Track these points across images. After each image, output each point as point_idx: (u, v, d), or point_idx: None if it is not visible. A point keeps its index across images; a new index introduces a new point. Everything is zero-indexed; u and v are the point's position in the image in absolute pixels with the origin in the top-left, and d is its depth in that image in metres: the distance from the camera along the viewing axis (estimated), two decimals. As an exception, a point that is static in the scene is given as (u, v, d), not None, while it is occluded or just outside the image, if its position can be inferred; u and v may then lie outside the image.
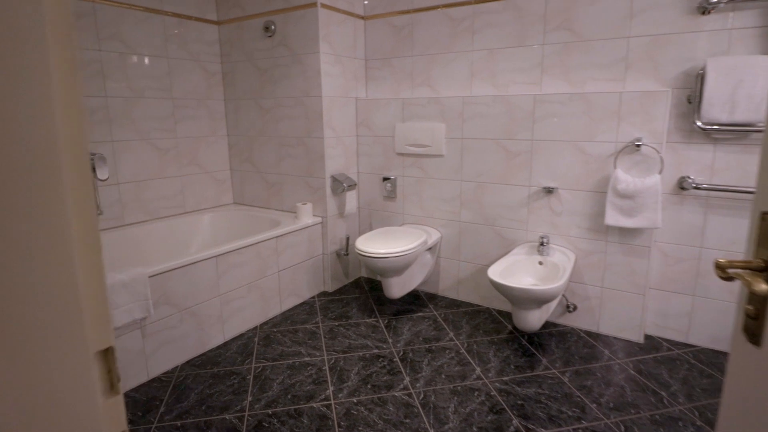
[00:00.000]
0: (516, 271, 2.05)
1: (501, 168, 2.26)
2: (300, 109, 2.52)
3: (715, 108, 1.73)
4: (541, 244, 2.13)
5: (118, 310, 1.64)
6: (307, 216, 2.49)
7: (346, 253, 2.66)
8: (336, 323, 2.27)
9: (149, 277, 1.74)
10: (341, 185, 2.49)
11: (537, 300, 1.81)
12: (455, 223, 2.47)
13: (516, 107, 2.17)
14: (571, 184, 2.09)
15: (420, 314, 2.36)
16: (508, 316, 2.34)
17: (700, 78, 1.76)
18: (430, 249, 2.45)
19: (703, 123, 1.79)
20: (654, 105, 1.86)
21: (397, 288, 2.28)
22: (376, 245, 2.16)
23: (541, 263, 2.09)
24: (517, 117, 2.17)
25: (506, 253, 2.27)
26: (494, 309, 2.42)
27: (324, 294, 2.63)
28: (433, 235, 2.43)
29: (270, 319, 2.32)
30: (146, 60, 2.42)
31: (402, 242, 2.20)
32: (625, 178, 1.91)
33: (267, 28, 2.52)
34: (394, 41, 2.56)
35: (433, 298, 2.56)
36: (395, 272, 2.21)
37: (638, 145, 1.89)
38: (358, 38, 2.63)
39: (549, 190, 2.13)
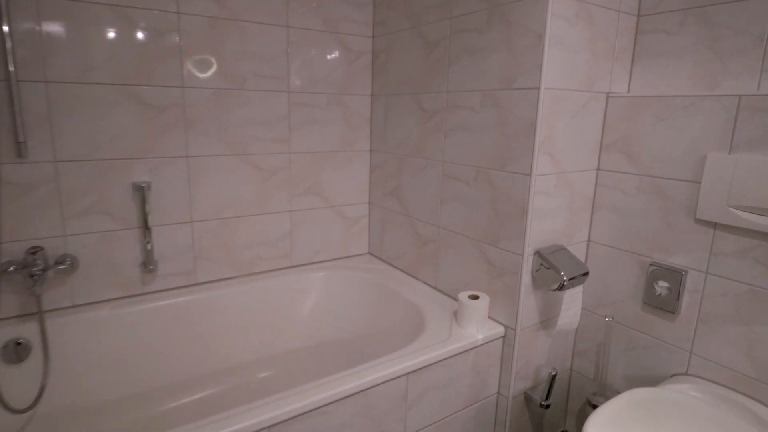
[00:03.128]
0: None
1: None
2: (491, 114, 1.30)
3: None
4: None
5: None
6: (476, 320, 1.26)
7: (545, 402, 1.33)
8: None
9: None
10: (555, 273, 1.18)
11: None
12: None
13: None
14: None
15: None
16: None
17: None
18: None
19: None
20: None
21: None
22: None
23: None
24: None
25: None
26: None
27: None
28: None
29: None
30: (252, 29, 1.52)
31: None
32: None
33: (448, -35, 1.37)
34: (723, -34, 1.13)
35: None
36: None
37: None
38: (630, -29, 1.27)
39: None
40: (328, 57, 1.69)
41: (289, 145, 1.67)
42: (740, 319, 1.09)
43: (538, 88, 1.15)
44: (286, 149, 1.67)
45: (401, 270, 1.76)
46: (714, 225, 1.12)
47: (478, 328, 1.26)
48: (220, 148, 1.54)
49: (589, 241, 1.41)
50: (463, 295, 1.29)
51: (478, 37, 1.31)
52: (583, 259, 1.41)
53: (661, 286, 1.21)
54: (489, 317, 1.35)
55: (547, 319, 1.35)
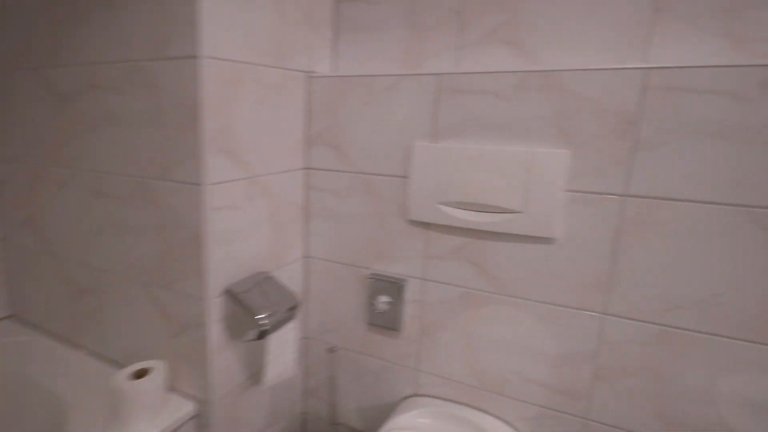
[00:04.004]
0: None
1: (762, 289, 0.74)
2: (142, 96, 0.87)
3: None
4: None
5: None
6: (146, 407, 0.83)
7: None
8: None
9: None
10: (250, 317, 0.85)
11: None
12: (567, 420, 0.92)
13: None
14: None
15: None
16: None
17: None
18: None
19: None
20: None
21: None
22: None
23: None
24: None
25: None
26: None
27: None
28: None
29: None
30: None
31: None
32: None
33: None
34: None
35: None
36: None
37: None
38: None
39: None
40: None
41: None
42: (458, 325, 0.99)
43: (196, 57, 0.78)
44: None
45: (55, 336, 1.16)
46: (427, 225, 0.98)
47: (150, 418, 0.83)
48: None
49: (307, 257, 1.15)
50: (123, 375, 0.84)
51: (106, -24, 0.86)
52: (301, 282, 1.14)
53: (382, 301, 1.03)
54: (175, 390, 0.94)
55: (258, 372, 1.03)
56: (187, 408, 0.89)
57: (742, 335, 0.76)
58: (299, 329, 1.17)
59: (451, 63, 0.98)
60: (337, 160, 1.05)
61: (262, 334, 0.84)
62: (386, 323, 1.05)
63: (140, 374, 0.85)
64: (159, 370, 0.86)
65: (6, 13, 1.04)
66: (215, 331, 0.88)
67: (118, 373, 0.84)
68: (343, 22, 1.09)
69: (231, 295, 0.86)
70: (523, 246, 0.89)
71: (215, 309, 0.87)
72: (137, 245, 0.93)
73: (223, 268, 0.88)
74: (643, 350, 0.83)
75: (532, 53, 0.90)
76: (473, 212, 0.90)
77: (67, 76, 0.97)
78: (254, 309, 0.83)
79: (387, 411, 1.12)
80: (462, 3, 0.95)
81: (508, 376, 0.96)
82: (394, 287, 1.02)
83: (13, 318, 1.25)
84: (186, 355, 0.91)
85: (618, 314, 0.83)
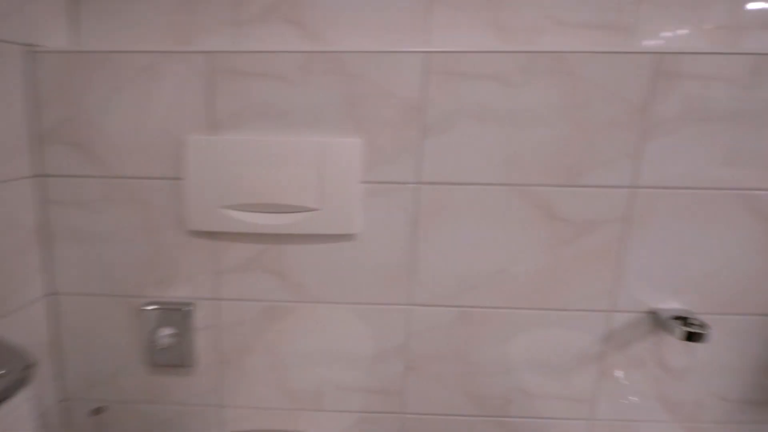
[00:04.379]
0: None
1: (539, 265, 0.81)
2: None
3: None
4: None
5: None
6: None
7: None
8: None
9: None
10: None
11: None
12: (388, 419, 0.89)
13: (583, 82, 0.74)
14: (725, 299, 0.81)
15: None
16: None
17: None
18: None
19: None
20: None
21: None
22: None
23: None
24: (596, 118, 0.75)
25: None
26: None
27: None
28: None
29: None
30: None
31: None
32: None
33: None
34: None
35: None
36: None
37: None
38: None
39: (665, 319, 0.78)
40: None
41: None
42: (263, 345, 0.86)
43: None
44: None
45: None
46: (212, 235, 0.82)
47: None
48: None
49: (52, 294, 0.86)
50: None
51: None
52: (45, 330, 0.84)
53: (166, 335, 0.83)
54: None
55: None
56: None
57: (525, 304, 0.82)
58: (45, 394, 0.87)
59: (227, 40, 0.84)
60: (85, 162, 0.80)
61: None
62: (174, 360, 0.85)
63: None
64: None
65: None
66: None
67: None
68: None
69: None
70: (325, 246, 0.81)
71: None
72: None
73: None
74: (448, 333, 0.84)
75: (317, 34, 0.82)
76: (266, 214, 0.78)
77: None
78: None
79: (188, 464, 0.92)
80: (231, -28, 0.81)
81: (324, 388, 0.88)
82: (179, 315, 0.83)
83: None
84: None
85: (422, 303, 0.83)
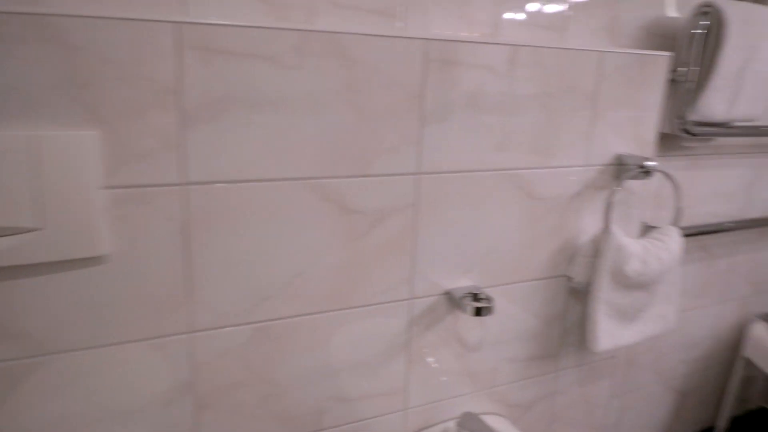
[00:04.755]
0: None
1: (338, 262, 0.74)
2: None
3: (719, 94, 0.95)
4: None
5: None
6: None
7: None
8: None
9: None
10: None
11: None
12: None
13: (367, 70, 0.70)
14: (504, 271, 0.87)
15: None
16: None
17: (703, 37, 0.93)
18: None
19: (699, 119, 0.97)
20: (644, 84, 0.90)
21: None
22: None
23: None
24: (376, 105, 0.71)
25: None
26: None
27: None
28: None
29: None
30: None
31: None
32: (636, 248, 0.87)
33: None
34: None
35: None
36: None
37: (645, 172, 0.88)
38: None
39: (458, 298, 0.81)
40: None
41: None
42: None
43: None
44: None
45: None
46: None
47: None
48: None
49: None
50: None
51: None
52: None
53: None
54: None
55: None
56: None
57: (326, 307, 0.76)
58: None
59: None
60: None
61: None
62: None
63: None
64: None
65: None
66: None
67: None
68: None
69: None
70: (58, 277, 0.60)
71: None
72: None
73: None
74: (243, 356, 0.72)
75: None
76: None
77: None
78: None
79: None
80: None
81: (87, 460, 0.67)
82: None
83: None
84: None
85: (206, 327, 0.69)
